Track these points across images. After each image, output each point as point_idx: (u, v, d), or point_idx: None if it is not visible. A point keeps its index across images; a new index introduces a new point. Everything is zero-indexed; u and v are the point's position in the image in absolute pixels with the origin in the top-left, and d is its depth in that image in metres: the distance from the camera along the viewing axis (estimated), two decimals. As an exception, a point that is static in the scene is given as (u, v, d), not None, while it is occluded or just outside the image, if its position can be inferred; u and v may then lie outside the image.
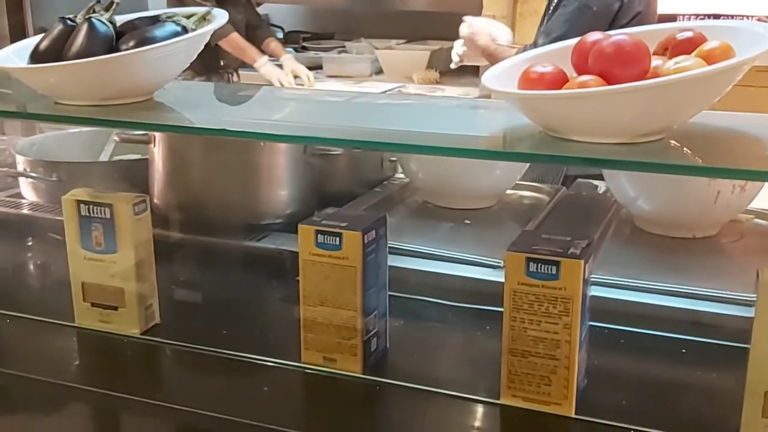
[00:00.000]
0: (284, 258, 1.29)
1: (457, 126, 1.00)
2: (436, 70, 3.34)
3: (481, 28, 2.34)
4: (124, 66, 1.00)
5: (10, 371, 1.02)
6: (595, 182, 1.60)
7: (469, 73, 3.32)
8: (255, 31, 3.35)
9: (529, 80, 0.83)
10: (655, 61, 0.80)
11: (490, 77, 0.84)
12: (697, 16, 3.02)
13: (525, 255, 0.86)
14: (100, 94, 1.03)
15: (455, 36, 3.62)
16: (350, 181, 1.58)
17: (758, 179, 1.01)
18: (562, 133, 0.81)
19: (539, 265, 0.85)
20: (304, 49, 3.84)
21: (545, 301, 0.86)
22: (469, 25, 2.35)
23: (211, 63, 3.23)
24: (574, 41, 0.87)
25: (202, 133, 0.96)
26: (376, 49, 3.56)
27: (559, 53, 0.89)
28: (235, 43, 3.17)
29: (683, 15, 3.00)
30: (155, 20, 1.05)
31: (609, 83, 0.78)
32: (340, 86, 3.24)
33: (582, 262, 0.84)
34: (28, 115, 1.06)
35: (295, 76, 3.23)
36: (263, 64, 3.21)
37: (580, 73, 0.83)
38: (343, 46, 3.80)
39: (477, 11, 3.22)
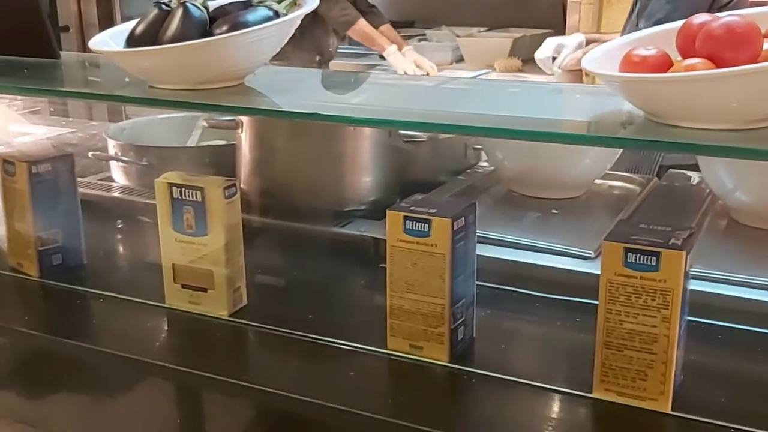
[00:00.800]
0: (368, 244, 1.29)
1: (555, 111, 0.97)
2: (518, 58, 3.29)
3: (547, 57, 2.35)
4: (217, 50, 1.01)
5: (103, 349, 1.04)
6: (689, 173, 1.54)
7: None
8: (367, 18, 3.29)
9: (631, 63, 0.80)
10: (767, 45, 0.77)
11: (590, 60, 0.82)
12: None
13: (623, 245, 0.83)
14: (193, 78, 1.04)
15: (537, 23, 3.57)
16: (434, 169, 1.56)
17: None
18: (666, 118, 0.78)
19: (638, 255, 0.82)
20: (384, 37, 3.83)
21: (643, 293, 0.83)
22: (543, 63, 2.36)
23: (309, 58, 3.22)
24: (677, 24, 0.84)
25: (294, 117, 0.96)
26: (458, 36, 3.52)
27: (662, 36, 0.85)
28: (363, 31, 3.12)
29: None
30: (247, 5, 1.05)
31: (718, 67, 0.74)
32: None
33: (684, 253, 0.81)
34: (124, 99, 1.08)
35: (418, 66, 3.17)
36: (392, 53, 3.14)
37: (685, 56, 0.80)
38: (424, 34, 3.78)
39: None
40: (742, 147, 0.74)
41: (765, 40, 0.77)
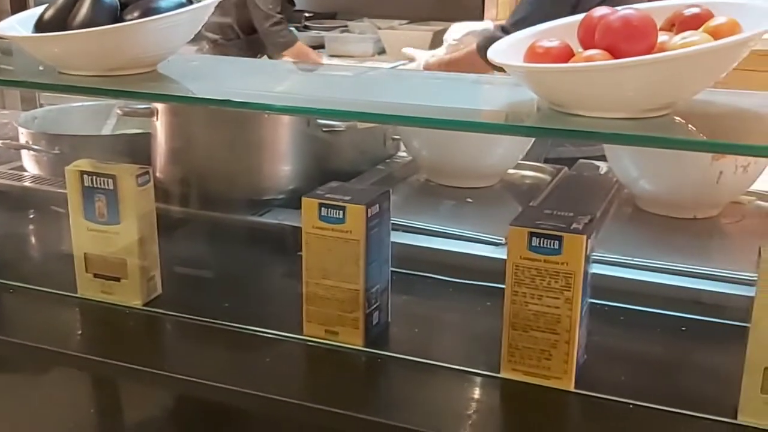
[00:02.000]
0: (286, 233, 1.29)
1: (465, 100, 1.00)
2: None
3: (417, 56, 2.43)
4: (128, 36, 1.00)
5: (13, 339, 1.02)
6: (598, 163, 1.60)
7: (472, 54, 3.31)
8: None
9: (535, 55, 0.83)
10: (662, 37, 0.80)
11: (496, 51, 0.84)
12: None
13: (528, 229, 0.86)
14: (104, 65, 1.02)
15: (458, 17, 3.61)
16: (353, 158, 1.58)
17: (762, 155, 1.01)
18: (568, 107, 0.81)
19: (542, 239, 0.86)
20: (306, 28, 3.83)
21: (547, 275, 0.86)
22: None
23: (251, 54, 3.21)
24: (580, 16, 0.87)
25: (206, 103, 0.96)
26: (379, 29, 3.54)
27: (565, 28, 0.88)
28: (300, 51, 3.18)
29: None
30: (160, -9, 1.04)
31: (615, 58, 0.78)
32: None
33: (584, 237, 0.85)
34: (33, 85, 1.06)
35: None
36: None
37: (586, 47, 0.83)
38: (346, 26, 3.79)
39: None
40: (637, 134, 0.77)
41: (659, 33, 0.81)
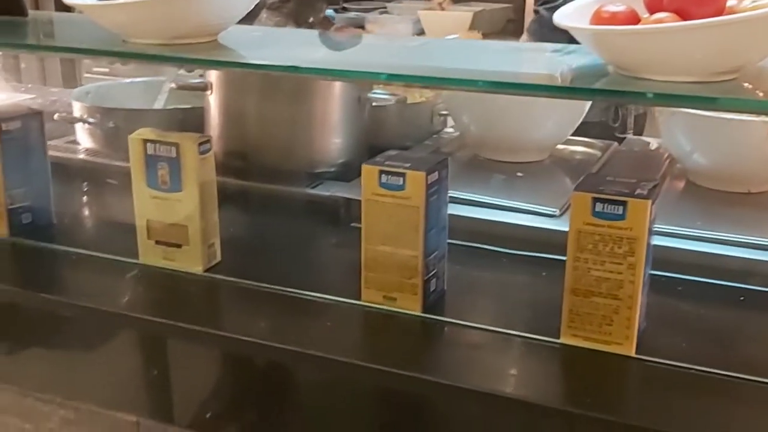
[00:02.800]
0: (339, 205, 1.31)
1: (528, 66, 1.00)
2: (479, 32, 3.32)
3: None
4: (191, 4, 1.01)
5: (77, 303, 1.05)
6: (647, 139, 1.59)
7: (513, 35, 3.30)
8: None
9: (601, 19, 0.83)
10: (731, 1, 0.80)
11: (561, 16, 0.84)
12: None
13: (591, 195, 0.86)
14: (168, 33, 1.04)
15: (498, -2, 3.60)
16: (401, 134, 1.59)
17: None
18: (635, 71, 0.81)
19: (606, 205, 0.86)
20: (345, 9, 3.83)
21: (610, 241, 0.86)
22: None
23: (304, 16, 3.19)
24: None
25: (271, 70, 0.97)
26: (419, 10, 3.54)
27: (630, -6, 0.88)
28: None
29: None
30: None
31: (684, 21, 0.78)
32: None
33: (649, 202, 0.85)
34: (99, 52, 1.08)
35: None
36: None
37: (652, 12, 0.83)
38: (385, 7, 3.78)
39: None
40: (704, 96, 0.77)
41: (728, -3, 0.80)
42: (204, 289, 1.08)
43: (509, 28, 3.48)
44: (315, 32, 1.07)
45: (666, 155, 1.43)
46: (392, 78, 0.85)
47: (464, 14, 3.41)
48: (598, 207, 0.86)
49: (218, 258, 1.13)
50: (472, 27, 3.35)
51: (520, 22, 3.15)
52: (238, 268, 1.11)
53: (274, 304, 1.04)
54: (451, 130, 1.68)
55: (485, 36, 3.33)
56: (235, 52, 1.05)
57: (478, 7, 3.48)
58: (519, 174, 1.43)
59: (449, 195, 1.03)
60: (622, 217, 0.85)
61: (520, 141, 1.47)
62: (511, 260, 1.16)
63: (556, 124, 1.48)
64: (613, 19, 0.82)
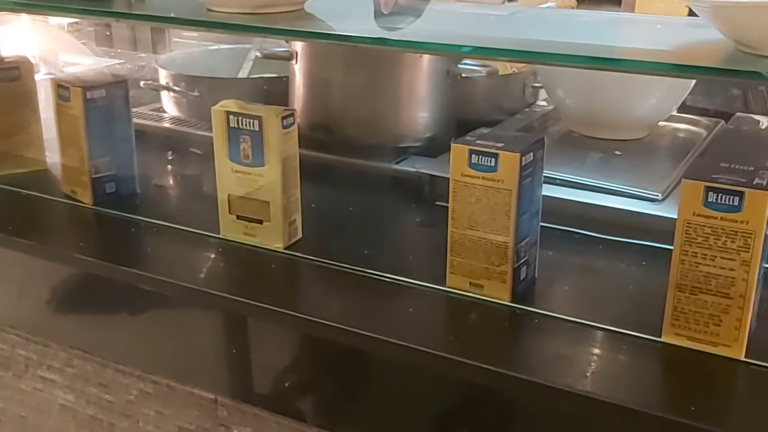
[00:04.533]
0: (424, 182, 1.26)
1: (639, 41, 0.92)
2: (574, -2, 3.18)
3: None
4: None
5: (158, 276, 1.03)
6: (757, 117, 1.48)
7: (609, 1, 3.15)
8: None
9: (723, -11, 0.75)
10: None
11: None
12: None
13: (704, 183, 0.79)
14: (252, 2, 1.00)
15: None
16: (491, 107, 1.52)
17: None
18: (761, 49, 0.73)
19: (719, 195, 0.78)
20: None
21: (723, 234, 0.79)
22: None
23: None
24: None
25: (359, 41, 0.92)
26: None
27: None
28: None
29: None
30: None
31: (822, -8, 0.69)
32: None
33: (769, 193, 0.77)
34: (182, 21, 1.05)
35: None
36: None
37: (783, -18, 0.74)
38: (475, -28, 3.67)
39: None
40: None
41: None
42: (284, 267, 1.05)
43: (606, -7, 3.32)
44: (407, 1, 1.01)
45: (779, 136, 1.33)
46: (477, 51, 0.79)
47: (558, -21, 3.26)
48: (711, 197, 0.78)
49: (299, 235, 1.10)
50: (566, -8, 3.21)
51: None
52: (319, 245, 1.08)
53: (354, 286, 1.00)
54: (544, 103, 1.60)
55: (580, 1, 3.19)
56: (321, 22, 1.00)
57: (573, -29, 3.33)
58: (617, 152, 1.34)
59: (544, 174, 0.97)
60: (737, 209, 0.78)
61: (619, 117, 1.38)
62: (607, 247, 1.08)
63: (659, 99, 1.38)
64: (737, -11, 0.73)
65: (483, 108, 1.51)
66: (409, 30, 0.95)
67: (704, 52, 0.78)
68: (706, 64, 0.76)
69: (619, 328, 0.88)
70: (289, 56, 1.39)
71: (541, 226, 0.99)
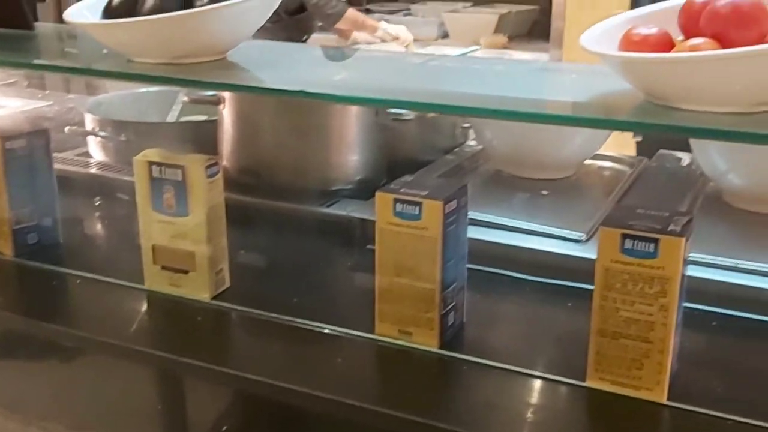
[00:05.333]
0: (355, 225, 1.25)
1: (549, 91, 0.94)
2: (504, 35, 3.25)
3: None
4: (199, 23, 0.96)
5: (80, 333, 1.01)
6: (679, 154, 1.52)
7: (539, 38, 3.23)
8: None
9: (631, 43, 0.77)
10: (774, 23, 0.74)
11: (589, 39, 0.78)
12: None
13: (621, 230, 0.80)
14: (174, 53, 0.99)
15: (524, 0, 3.53)
16: (422, 148, 1.53)
17: None
18: (669, 100, 0.75)
19: (636, 242, 0.80)
20: (368, 11, 3.77)
21: (641, 280, 0.80)
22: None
23: (296, 35, 3.19)
24: (679, 1, 0.81)
25: (279, 94, 0.92)
26: (443, 12, 3.47)
27: (663, 14, 0.82)
28: (354, 18, 3.09)
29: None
30: (231, -24, 1.01)
31: (723, 47, 0.71)
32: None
33: (683, 239, 0.78)
34: (101, 73, 1.03)
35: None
36: (386, 26, 3.12)
37: (688, 35, 0.77)
38: (409, 9, 3.72)
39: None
40: (746, 131, 0.71)
41: None
42: (211, 319, 1.03)
43: (536, 30, 3.40)
44: (321, 49, 1.02)
45: (699, 173, 1.36)
46: (400, 105, 0.79)
47: (489, 17, 3.33)
48: (628, 244, 0.80)
49: (227, 284, 1.08)
50: (498, 30, 3.28)
51: (547, 24, 3.07)
52: (247, 294, 1.07)
53: (282, 337, 0.99)
54: (474, 143, 1.62)
55: (511, 39, 3.26)
56: (243, 72, 1.00)
57: (504, 9, 3.41)
58: (544, 192, 1.36)
59: (470, 217, 0.98)
60: (653, 255, 0.79)
61: (545, 157, 1.41)
62: (534, 288, 1.10)
63: (584, 139, 1.41)
64: (644, 42, 0.76)
65: (414, 149, 1.52)
66: (328, 81, 0.96)
67: (616, 104, 0.80)
68: (618, 117, 0.78)
69: (545, 373, 0.89)
70: (218, 101, 1.38)
71: (470, 268, 0.99)
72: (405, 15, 3.67)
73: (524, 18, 3.48)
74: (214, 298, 1.06)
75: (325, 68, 1.03)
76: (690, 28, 0.77)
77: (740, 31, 0.71)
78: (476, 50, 3.04)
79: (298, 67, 1.08)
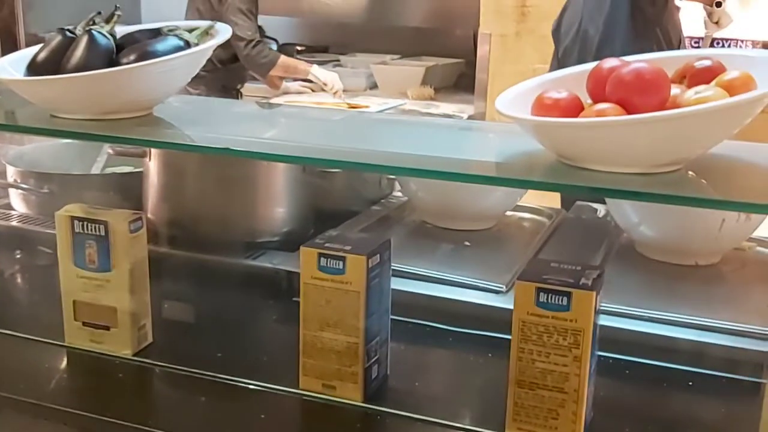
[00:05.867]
0: (281, 277, 1.26)
1: (467, 151, 0.97)
2: (431, 86, 3.33)
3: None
4: (125, 80, 0.97)
5: (-2, 392, 0.98)
6: (595, 205, 1.58)
7: (465, 90, 3.31)
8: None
9: (543, 106, 0.81)
10: (674, 90, 0.79)
11: (503, 102, 0.82)
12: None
13: (535, 285, 0.83)
14: (99, 109, 1.00)
15: (450, 53, 3.63)
16: (348, 199, 1.56)
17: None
18: (577, 161, 0.79)
19: (550, 295, 0.83)
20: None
21: (555, 332, 0.83)
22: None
23: (230, 83, 3.21)
24: (588, 66, 0.86)
25: (204, 151, 0.93)
26: (372, 64, 3.54)
27: (574, 78, 0.87)
28: (285, 64, 3.16)
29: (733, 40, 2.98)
30: (157, 33, 1.02)
31: (627, 111, 0.76)
32: (336, 100, 3.21)
33: (594, 293, 0.82)
34: (23, 129, 1.03)
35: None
36: (317, 69, 3.21)
37: (596, 99, 0.81)
38: (338, 60, 3.78)
39: (473, 28, 3.22)
40: (649, 192, 0.75)
41: (671, 85, 0.79)
42: (132, 376, 1.02)
43: (462, 82, 3.50)
44: (248, 105, 1.03)
45: (613, 224, 1.42)
46: (319, 162, 0.82)
47: (416, 69, 3.41)
48: (542, 297, 0.83)
49: (150, 339, 1.07)
50: (425, 82, 3.35)
51: (472, 76, 3.17)
52: (170, 350, 1.06)
53: (206, 393, 0.98)
54: (400, 194, 1.65)
55: (437, 91, 3.34)
56: (169, 129, 1.01)
57: (431, 62, 3.49)
58: (466, 243, 1.40)
59: (394, 269, 1.00)
60: (566, 308, 0.83)
61: (467, 209, 1.44)
62: (457, 339, 1.12)
63: (505, 191, 1.46)
64: (555, 106, 0.80)
65: (341, 200, 1.54)
66: (253, 140, 0.97)
67: (530, 164, 0.84)
68: (530, 177, 0.82)
69: (467, 425, 0.91)
70: (142, 153, 1.38)
71: (394, 319, 1.01)
72: (335, 66, 3.72)
73: (450, 70, 3.57)
74: (136, 354, 1.05)
75: (251, 125, 1.05)
76: (597, 93, 0.81)
77: (643, 97, 0.76)
78: (404, 104, 3.11)
79: (224, 123, 1.10)
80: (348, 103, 3.12)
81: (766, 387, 0.77)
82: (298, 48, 3.92)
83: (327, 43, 4.05)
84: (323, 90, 3.20)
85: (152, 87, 0.99)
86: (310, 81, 3.24)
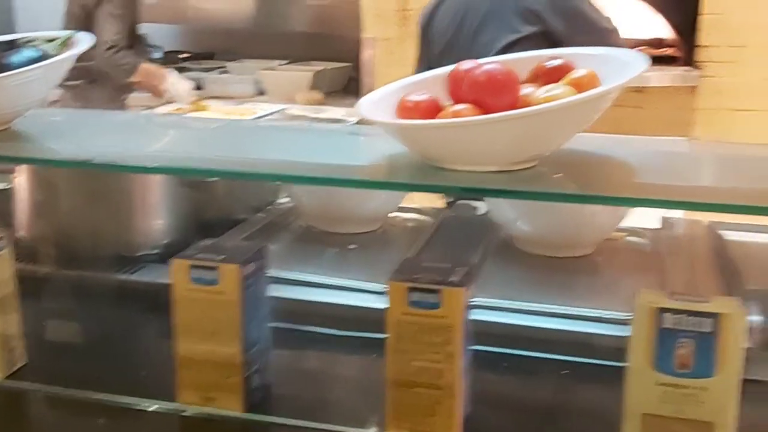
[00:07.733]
0: (160, 291, 1.23)
1: (338, 154, 0.98)
2: (320, 91, 3.33)
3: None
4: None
5: None
6: (475, 203, 1.61)
7: (354, 94, 3.33)
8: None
9: (405, 109, 0.83)
10: (527, 89, 0.81)
11: (367, 104, 0.83)
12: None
13: (407, 285, 0.85)
14: (-48, 124, 0.96)
15: (338, 57, 3.64)
16: (232, 207, 1.54)
17: (626, 205, 1.04)
18: (439, 161, 0.81)
19: (421, 294, 0.84)
20: (183, 69, 3.75)
21: (428, 330, 0.85)
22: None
23: (115, 96, 3.13)
24: (448, 69, 0.88)
25: (65, 166, 0.90)
26: (259, 69, 3.51)
27: (435, 81, 0.89)
28: (146, 70, 3.10)
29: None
30: (12, 45, 0.99)
31: (482, 111, 0.78)
32: (222, 106, 3.17)
33: (463, 290, 0.84)
34: None
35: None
36: (174, 76, 3.16)
37: (456, 100, 0.83)
38: (224, 67, 3.73)
39: (357, 33, 3.24)
40: (506, 189, 0.77)
41: (524, 85, 0.82)
42: (4, 399, 0.98)
43: (351, 86, 3.51)
44: (120, 115, 1.01)
45: (492, 221, 1.46)
46: (186, 173, 0.81)
47: (304, 74, 3.41)
48: (414, 296, 0.85)
49: (23, 361, 1.03)
50: (313, 86, 3.35)
51: (361, 81, 3.19)
52: (45, 371, 1.03)
53: (84, 413, 0.96)
54: (287, 199, 1.64)
55: (327, 95, 3.35)
56: (27, 143, 0.98)
57: (319, 66, 3.50)
58: (352, 246, 1.41)
59: (278, 276, 1.00)
60: (437, 305, 0.84)
61: (351, 212, 1.45)
62: (342, 342, 1.12)
63: (388, 193, 1.47)
64: (416, 108, 0.81)
65: (224, 208, 1.52)
66: (114, 151, 0.95)
67: (396, 166, 0.85)
68: (393, 179, 0.83)
69: (349, 426, 0.91)
70: (10, 169, 1.33)
71: (278, 327, 1.01)
72: (221, 73, 3.68)
73: (339, 74, 3.58)
74: (8, 377, 1.01)
75: (120, 136, 1.03)
76: (456, 94, 0.83)
77: (494, 97, 0.78)
78: (286, 108, 3.10)
79: (91, 135, 1.07)
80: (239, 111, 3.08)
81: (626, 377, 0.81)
82: (184, 55, 3.85)
83: (213, 50, 3.99)
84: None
85: (7, 101, 0.95)
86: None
